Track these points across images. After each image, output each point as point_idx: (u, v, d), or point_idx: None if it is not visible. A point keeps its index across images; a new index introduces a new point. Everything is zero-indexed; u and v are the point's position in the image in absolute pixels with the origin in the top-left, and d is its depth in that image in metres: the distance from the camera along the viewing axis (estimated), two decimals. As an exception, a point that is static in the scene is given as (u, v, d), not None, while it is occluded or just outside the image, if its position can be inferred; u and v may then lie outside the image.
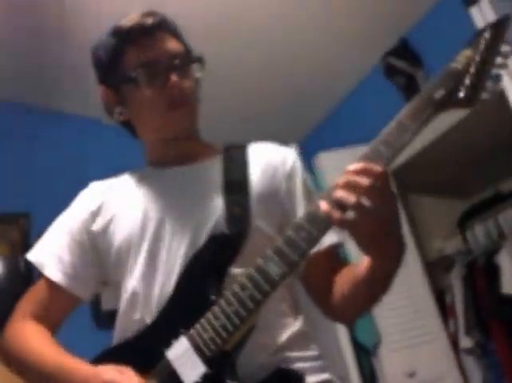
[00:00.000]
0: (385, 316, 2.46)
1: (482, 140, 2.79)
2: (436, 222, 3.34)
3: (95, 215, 1.03)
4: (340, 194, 0.75)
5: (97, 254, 1.02)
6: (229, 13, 2.44)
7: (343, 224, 0.76)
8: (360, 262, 0.88)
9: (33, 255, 1.04)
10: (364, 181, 0.74)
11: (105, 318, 2.55)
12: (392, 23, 2.49)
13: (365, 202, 0.74)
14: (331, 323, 2.52)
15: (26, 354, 0.94)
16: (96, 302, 2.53)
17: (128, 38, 0.99)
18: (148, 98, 0.98)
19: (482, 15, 1.81)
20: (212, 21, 2.44)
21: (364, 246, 0.80)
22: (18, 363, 0.97)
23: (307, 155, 2.77)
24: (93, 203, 1.05)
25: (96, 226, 1.02)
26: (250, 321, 0.82)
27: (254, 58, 2.73)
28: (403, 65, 2.46)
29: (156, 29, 0.99)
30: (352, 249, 2.37)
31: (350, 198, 0.74)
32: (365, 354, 2.54)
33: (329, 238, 0.99)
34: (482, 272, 2.77)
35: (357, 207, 0.74)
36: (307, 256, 0.81)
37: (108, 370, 0.83)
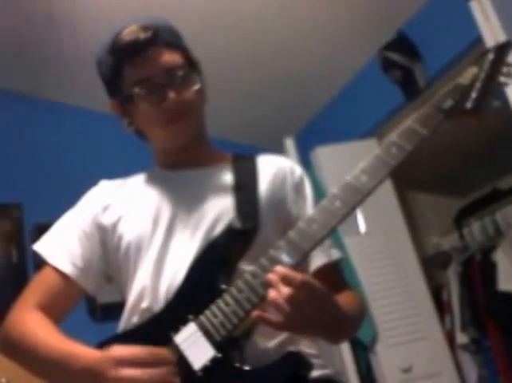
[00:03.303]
0: (382, 312, 2.47)
1: (480, 137, 2.79)
2: (434, 218, 3.35)
3: (105, 209, 1.05)
4: (272, 295, 0.79)
5: (105, 248, 1.03)
6: (228, 2, 2.43)
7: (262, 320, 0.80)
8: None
9: (40, 246, 1.04)
10: (286, 291, 0.77)
11: (101, 311, 2.56)
12: (390, 16, 2.48)
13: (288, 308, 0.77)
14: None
15: (31, 343, 0.93)
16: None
17: (123, 58, 1.00)
18: (148, 114, 1.00)
19: (482, 9, 1.81)
20: (210, 11, 2.43)
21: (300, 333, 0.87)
22: (23, 352, 0.95)
23: (304, 149, 2.78)
24: (104, 199, 1.07)
25: (107, 220, 1.03)
26: (261, 309, 0.83)
27: (250, 51, 2.72)
28: (400, 58, 2.45)
29: (150, 44, 0.99)
30: (350, 246, 2.37)
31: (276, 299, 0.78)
32: (362, 349, 2.54)
33: (335, 252, 1.04)
34: (479, 269, 2.77)
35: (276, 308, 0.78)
36: (317, 247, 0.85)
37: (117, 348, 0.83)
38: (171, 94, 0.97)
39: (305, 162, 2.71)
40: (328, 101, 3.10)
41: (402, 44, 2.46)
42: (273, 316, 0.79)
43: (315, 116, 3.22)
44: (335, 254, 1.03)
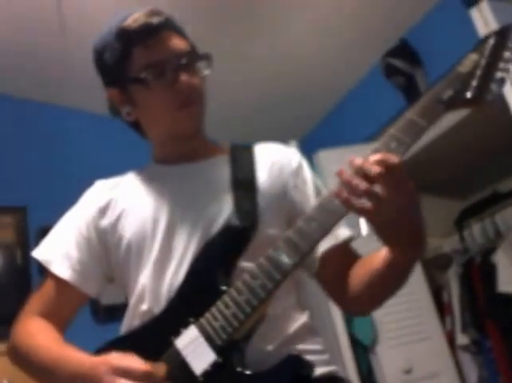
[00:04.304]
0: (382, 313, 2.47)
1: (481, 140, 2.81)
2: (434, 220, 3.35)
3: (103, 211, 1.03)
4: (354, 181, 0.76)
5: (105, 249, 1.02)
6: (230, 7, 2.46)
7: (356, 209, 0.76)
8: (378, 251, 0.90)
9: (39, 253, 1.04)
10: (375, 169, 0.75)
11: (104, 313, 2.55)
12: (392, 23, 2.50)
13: (378, 189, 0.75)
14: (329, 320, 2.54)
15: (31, 350, 0.94)
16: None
17: (134, 40, 0.98)
18: (158, 98, 0.98)
19: (483, 17, 1.83)
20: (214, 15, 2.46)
21: (381, 234, 0.81)
22: (25, 360, 0.97)
23: (307, 153, 2.75)
24: (101, 200, 1.04)
25: (105, 221, 1.02)
26: (261, 311, 0.84)
27: (255, 56, 2.74)
28: (402, 65, 2.48)
29: (162, 28, 0.98)
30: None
31: (361, 184, 0.75)
32: (363, 351, 2.56)
33: (342, 233, 1.00)
34: (479, 271, 2.78)
35: (368, 193, 0.75)
36: (317, 246, 0.83)
37: (116, 357, 0.83)
38: (184, 76, 0.97)
39: (310, 165, 2.73)
40: (332, 106, 3.13)
41: (404, 51, 2.48)
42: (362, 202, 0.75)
43: (319, 121, 3.24)
44: (342, 235, 1.00)
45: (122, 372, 0.80)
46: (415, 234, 0.82)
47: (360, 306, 1.00)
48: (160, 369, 0.81)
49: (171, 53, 0.98)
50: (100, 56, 1.03)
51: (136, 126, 1.08)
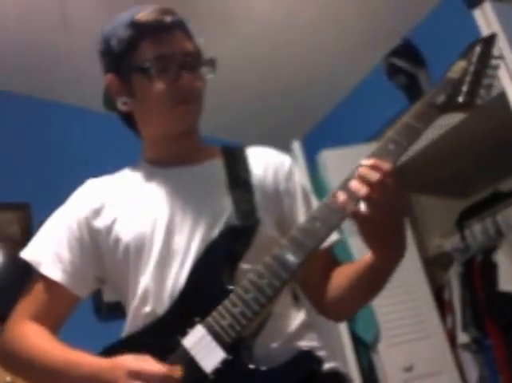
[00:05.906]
0: (384, 311, 2.50)
1: (482, 139, 2.81)
2: (435, 220, 3.36)
3: (97, 212, 1.01)
4: (354, 185, 0.80)
5: (98, 250, 1.00)
6: (231, 9, 2.47)
7: (355, 215, 0.81)
8: (358, 259, 0.94)
9: (28, 253, 1.01)
10: (374, 175, 0.79)
11: (107, 310, 2.56)
12: (395, 23, 2.52)
13: (374, 195, 0.79)
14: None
15: (31, 354, 0.92)
16: (97, 294, 2.49)
17: (145, 32, 0.99)
18: (158, 91, 0.99)
19: (485, 17, 1.84)
20: (217, 16, 2.47)
21: (369, 238, 0.85)
22: (23, 364, 0.95)
23: (310, 153, 2.82)
24: (95, 200, 1.03)
25: (99, 223, 1.01)
26: (268, 308, 0.86)
27: (257, 55, 2.75)
28: (405, 64, 2.49)
29: (174, 27, 1.01)
30: (353, 246, 2.38)
31: (361, 190, 0.79)
32: (364, 348, 2.57)
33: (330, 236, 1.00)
34: (480, 269, 2.79)
35: (366, 198, 0.79)
36: (321, 245, 0.86)
37: (131, 359, 0.82)
38: (186, 75, 0.99)
39: (312, 164, 2.75)
40: (334, 106, 3.14)
41: (407, 50, 2.50)
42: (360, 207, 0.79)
43: (322, 120, 3.26)
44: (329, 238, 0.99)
45: (137, 375, 0.79)
46: (399, 236, 0.86)
47: (338, 309, 1.02)
48: (176, 371, 0.81)
49: (178, 50, 1.00)
50: (106, 42, 1.04)
51: (129, 119, 1.08)
